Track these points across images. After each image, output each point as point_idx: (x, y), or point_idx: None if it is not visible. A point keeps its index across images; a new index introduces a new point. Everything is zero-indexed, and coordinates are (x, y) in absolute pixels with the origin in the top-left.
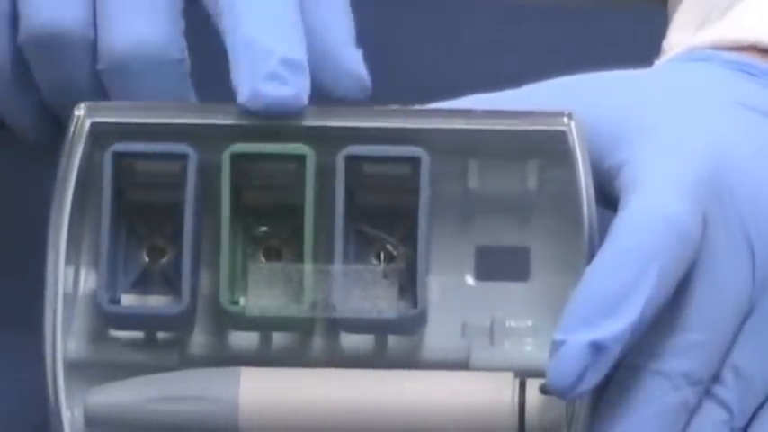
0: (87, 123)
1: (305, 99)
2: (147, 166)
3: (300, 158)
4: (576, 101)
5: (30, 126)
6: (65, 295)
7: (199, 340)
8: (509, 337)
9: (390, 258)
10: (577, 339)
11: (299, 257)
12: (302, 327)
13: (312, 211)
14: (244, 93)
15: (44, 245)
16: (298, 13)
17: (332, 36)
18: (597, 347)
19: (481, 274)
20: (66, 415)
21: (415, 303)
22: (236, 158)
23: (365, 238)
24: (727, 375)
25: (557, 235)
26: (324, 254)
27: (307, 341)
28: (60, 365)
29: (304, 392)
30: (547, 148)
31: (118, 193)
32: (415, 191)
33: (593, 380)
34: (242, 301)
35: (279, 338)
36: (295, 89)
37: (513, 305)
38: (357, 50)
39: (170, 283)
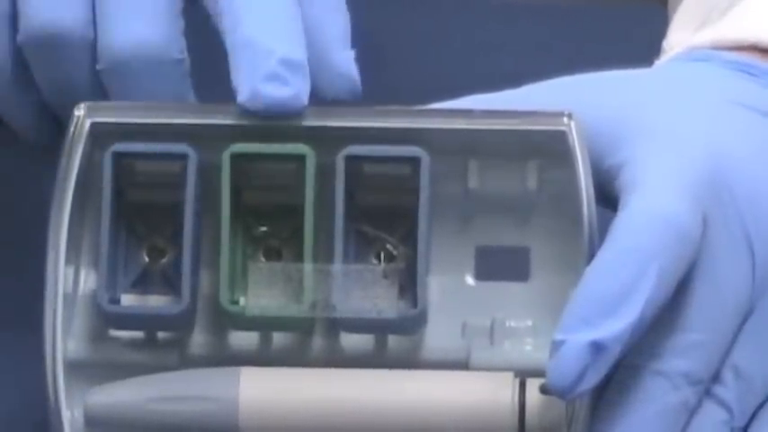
0: (87, 123)
1: (305, 99)
2: (147, 166)
3: (300, 158)
4: (576, 101)
5: (30, 126)
6: (65, 295)
7: (199, 340)
8: (509, 337)
9: (390, 258)
10: (577, 339)
11: (299, 257)
12: (302, 327)
13: (312, 211)
14: (244, 93)
15: (44, 245)
16: (298, 12)
17: (325, 36)
18: (597, 347)
19: (481, 274)
20: (66, 415)
21: (415, 303)
22: (236, 158)
23: (365, 238)
24: (727, 375)
25: (557, 235)
26: (324, 254)
27: (307, 341)
28: (60, 365)
29: (304, 392)
30: (547, 148)
31: (118, 193)
32: (415, 191)
33: (593, 380)
34: (242, 301)
35: (279, 338)
36: (295, 89)
37: (513, 305)
38: (350, 51)
39: (170, 283)
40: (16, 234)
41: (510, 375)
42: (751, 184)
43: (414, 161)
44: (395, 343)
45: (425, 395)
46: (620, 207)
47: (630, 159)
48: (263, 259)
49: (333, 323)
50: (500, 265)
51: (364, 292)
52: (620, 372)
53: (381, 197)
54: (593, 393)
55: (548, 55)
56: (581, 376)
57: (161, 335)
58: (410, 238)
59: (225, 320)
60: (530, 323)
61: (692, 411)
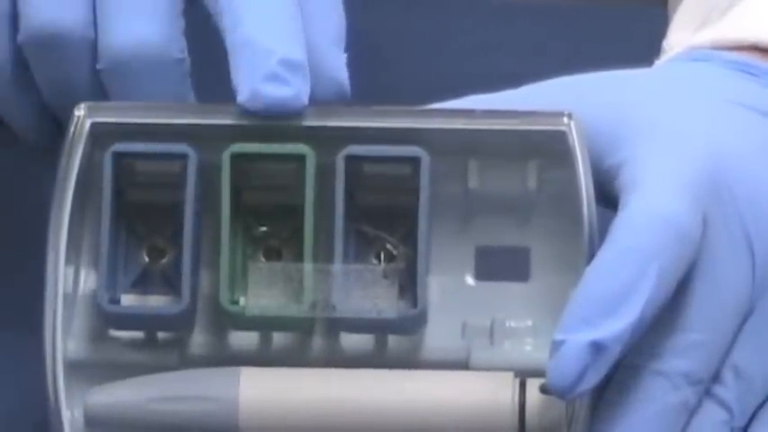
0: (87, 123)
1: (305, 99)
2: (147, 166)
3: (300, 158)
4: (576, 101)
5: (29, 127)
6: (65, 295)
7: (199, 340)
8: (509, 337)
9: (390, 258)
10: (577, 339)
11: (299, 257)
12: (302, 327)
13: (312, 211)
14: (243, 93)
15: (44, 245)
16: (298, 12)
17: (317, 38)
18: (597, 347)
19: (481, 275)
20: (66, 415)
21: (415, 303)
22: (236, 158)
23: (365, 238)
24: (727, 375)
25: (557, 235)
26: (324, 254)
27: (307, 341)
28: (60, 365)
29: (304, 392)
30: (547, 148)
31: (118, 193)
32: (415, 191)
33: (593, 380)
34: (242, 301)
35: (279, 338)
36: (295, 89)
37: (513, 305)
38: (342, 55)
39: (170, 283)
40: (16, 234)
41: (510, 375)
42: (751, 183)
43: (414, 161)
44: (395, 343)
45: (425, 395)
46: (620, 207)
47: (630, 159)
48: (263, 259)
49: (333, 323)
50: (500, 265)
51: (364, 292)
52: (620, 372)
53: (381, 197)
54: (593, 393)
55: (547, 55)
56: (581, 376)
57: (161, 335)
58: (410, 238)
59: (225, 320)
60: (530, 323)
61: (692, 411)
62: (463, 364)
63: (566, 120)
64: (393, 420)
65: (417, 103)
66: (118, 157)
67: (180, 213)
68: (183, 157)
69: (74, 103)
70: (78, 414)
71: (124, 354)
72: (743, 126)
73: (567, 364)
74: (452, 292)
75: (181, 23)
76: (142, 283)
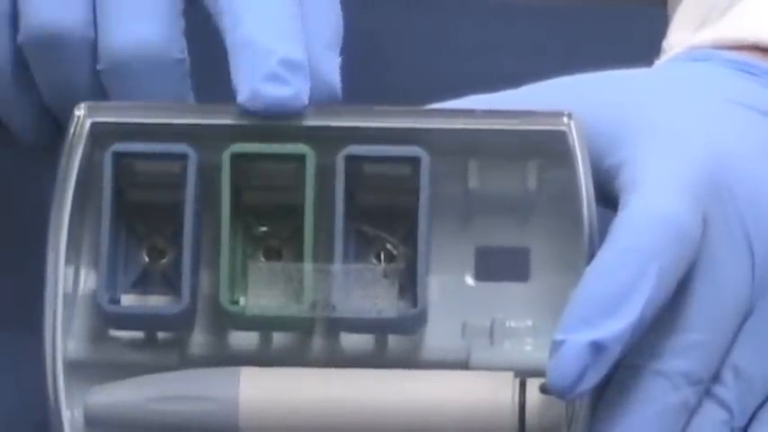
0: (87, 123)
1: (305, 99)
2: (147, 166)
3: (300, 158)
4: (576, 101)
5: (29, 127)
6: (65, 295)
7: (199, 340)
8: (509, 337)
9: (390, 258)
10: (577, 339)
11: (299, 257)
12: (302, 327)
13: (312, 211)
14: (243, 93)
15: (44, 245)
16: (298, 12)
17: (311, 40)
18: (597, 347)
19: (481, 275)
20: (66, 415)
21: (415, 303)
22: (236, 158)
23: (365, 238)
24: (727, 375)
25: (557, 235)
26: (324, 254)
27: (307, 341)
28: (60, 365)
29: (304, 392)
30: (547, 148)
31: (118, 193)
32: (415, 191)
33: (593, 380)
34: (242, 301)
35: (279, 338)
36: (295, 89)
37: (513, 305)
38: (336, 58)
39: (170, 283)
40: (16, 234)
41: (510, 375)
42: (751, 183)
43: (414, 161)
44: (395, 343)
45: (425, 395)
46: (620, 207)
47: (630, 159)
48: (263, 259)
49: (333, 323)
50: (500, 265)
51: (364, 292)
52: (620, 372)
53: (381, 197)
54: (593, 393)
55: (547, 55)
56: (581, 376)
57: (161, 335)
58: (410, 238)
59: (225, 320)
60: (530, 323)
61: (692, 411)
62: (463, 364)
63: (566, 120)
64: (393, 420)
65: (417, 103)
66: (118, 157)
67: (180, 213)
68: (183, 157)
69: (74, 104)
70: (78, 414)
71: (124, 354)
72: (743, 126)
73: (567, 364)
74: (452, 292)
75: (181, 23)
76: (142, 283)
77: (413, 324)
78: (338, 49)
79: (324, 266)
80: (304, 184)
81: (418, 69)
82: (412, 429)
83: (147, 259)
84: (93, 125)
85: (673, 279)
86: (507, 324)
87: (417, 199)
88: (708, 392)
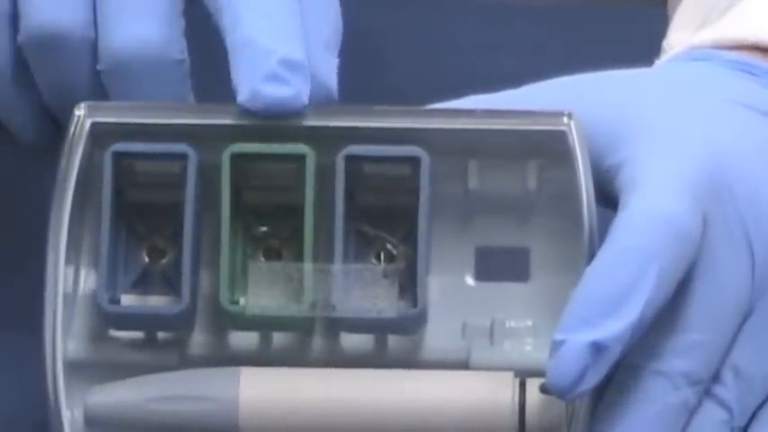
0: (87, 123)
1: (305, 99)
2: (147, 166)
3: (300, 158)
4: (576, 100)
5: (28, 127)
6: (65, 295)
7: (199, 340)
8: (509, 337)
9: (390, 258)
10: (577, 339)
11: (299, 257)
12: (302, 327)
13: (312, 211)
14: (243, 93)
15: (44, 245)
16: (298, 11)
17: (309, 42)
18: (597, 347)
19: (481, 275)
20: (66, 415)
21: (415, 303)
22: (236, 158)
23: (365, 238)
24: (727, 375)
25: (557, 235)
26: (324, 254)
27: (307, 341)
28: (60, 365)
29: (304, 392)
30: (547, 148)
31: (118, 193)
32: (415, 191)
33: (593, 380)
34: (242, 301)
35: (279, 338)
36: (295, 89)
37: (513, 305)
38: (333, 58)
39: (170, 283)
40: (16, 234)
41: (510, 375)
42: (751, 183)
43: (414, 161)
44: (395, 343)
45: (425, 395)
46: (619, 207)
47: (630, 159)
48: (263, 259)
49: (333, 323)
50: (500, 265)
51: (364, 292)
52: (620, 372)
53: (381, 197)
54: (593, 393)
55: (547, 55)
56: (581, 376)
57: (161, 335)
58: (410, 238)
59: (225, 320)
60: (530, 323)
61: (692, 411)
62: (463, 364)
63: (566, 120)
64: (393, 420)
65: (417, 103)
66: (118, 157)
67: (180, 213)
68: (183, 157)
69: (74, 104)
70: (78, 414)
71: (124, 354)
72: (743, 126)
73: (567, 365)
74: (452, 292)
75: (181, 24)
76: (142, 283)
77: (413, 324)
78: (336, 51)
79: (324, 266)
80: (304, 184)
81: (418, 69)
82: (412, 429)
83: (147, 259)
84: (93, 125)
85: (673, 279)
86: (507, 324)
87: (417, 199)
88: (708, 392)
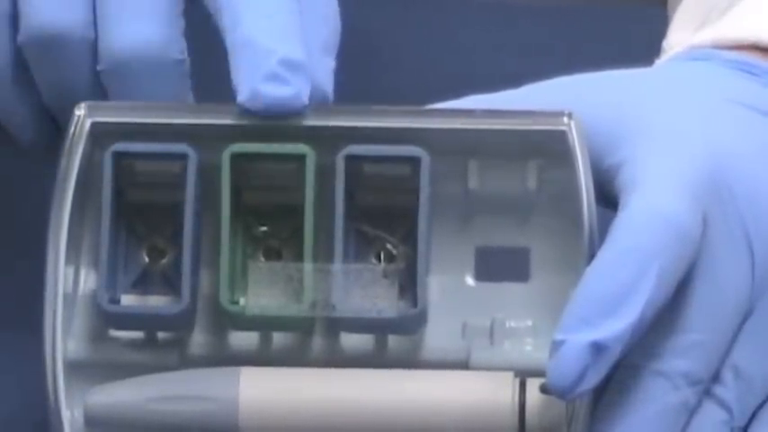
0: (87, 123)
1: (305, 99)
2: (147, 166)
3: (300, 158)
4: (576, 100)
5: (29, 127)
6: (65, 295)
7: (199, 340)
8: (509, 337)
9: (390, 258)
10: (577, 339)
11: (299, 257)
12: (302, 327)
13: (312, 211)
14: (243, 93)
15: (44, 245)
16: (297, 11)
17: (307, 42)
18: (597, 347)
19: (481, 275)
20: (66, 415)
21: (415, 303)
22: (236, 158)
23: (365, 238)
24: (727, 375)
25: (557, 235)
26: (324, 254)
27: (307, 341)
28: (60, 365)
29: (304, 392)
30: (547, 148)
31: (118, 193)
32: (415, 191)
33: (593, 380)
34: (242, 301)
35: (279, 338)
36: (295, 89)
37: (513, 305)
38: (330, 61)
39: (170, 283)
40: (16, 234)
41: (510, 375)
42: (751, 183)
43: (414, 161)
44: (395, 343)
45: (425, 395)
46: (619, 207)
47: (630, 159)
48: (263, 259)
49: (333, 323)
50: (500, 265)
51: (364, 292)
52: (620, 372)
53: (381, 197)
54: (593, 393)
55: (547, 55)
56: (581, 376)
57: (161, 335)
58: (410, 238)
59: (225, 320)
60: (530, 323)
61: (692, 411)
62: (463, 364)
63: (566, 120)
64: (393, 420)
65: (417, 103)
66: (118, 157)
67: (180, 213)
68: (183, 157)
69: (74, 104)
70: (78, 414)
71: (124, 354)
72: (743, 125)
73: (567, 365)
74: (452, 292)
75: (181, 24)
76: (142, 283)
77: (413, 324)
78: (334, 53)
79: (324, 266)
80: (304, 184)
81: (418, 69)
82: (412, 429)
83: (147, 259)
84: (93, 125)
85: (673, 279)
86: (507, 324)
87: (417, 199)
88: (708, 392)
